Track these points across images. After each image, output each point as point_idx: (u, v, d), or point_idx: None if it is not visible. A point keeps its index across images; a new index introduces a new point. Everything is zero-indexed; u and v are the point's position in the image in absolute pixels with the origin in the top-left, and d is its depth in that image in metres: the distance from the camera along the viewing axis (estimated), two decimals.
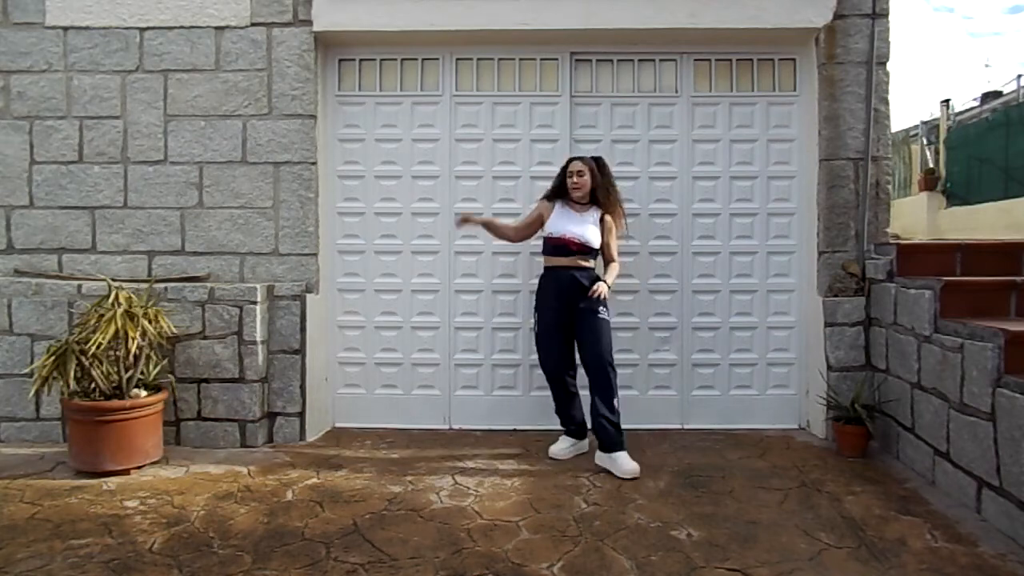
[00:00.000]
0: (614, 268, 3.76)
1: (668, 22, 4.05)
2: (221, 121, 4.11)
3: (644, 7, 4.05)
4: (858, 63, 4.03)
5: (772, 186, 4.32)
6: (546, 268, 3.77)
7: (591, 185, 3.70)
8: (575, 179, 3.69)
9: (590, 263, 3.71)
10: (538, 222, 3.83)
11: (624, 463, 3.45)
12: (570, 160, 3.79)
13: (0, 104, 4.13)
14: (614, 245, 3.78)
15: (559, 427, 4.13)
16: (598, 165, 3.76)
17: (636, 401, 4.31)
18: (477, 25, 4.08)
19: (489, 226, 3.88)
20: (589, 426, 3.68)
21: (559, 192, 3.79)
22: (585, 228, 3.67)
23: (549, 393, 3.90)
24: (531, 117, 4.32)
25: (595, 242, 3.67)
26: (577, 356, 3.76)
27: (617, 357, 4.30)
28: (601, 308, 3.60)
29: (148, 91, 4.11)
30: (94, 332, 3.38)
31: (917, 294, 3.47)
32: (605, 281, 3.63)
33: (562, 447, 3.78)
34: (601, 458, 3.56)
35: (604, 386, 3.55)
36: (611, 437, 3.50)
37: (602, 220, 3.73)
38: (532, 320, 3.89)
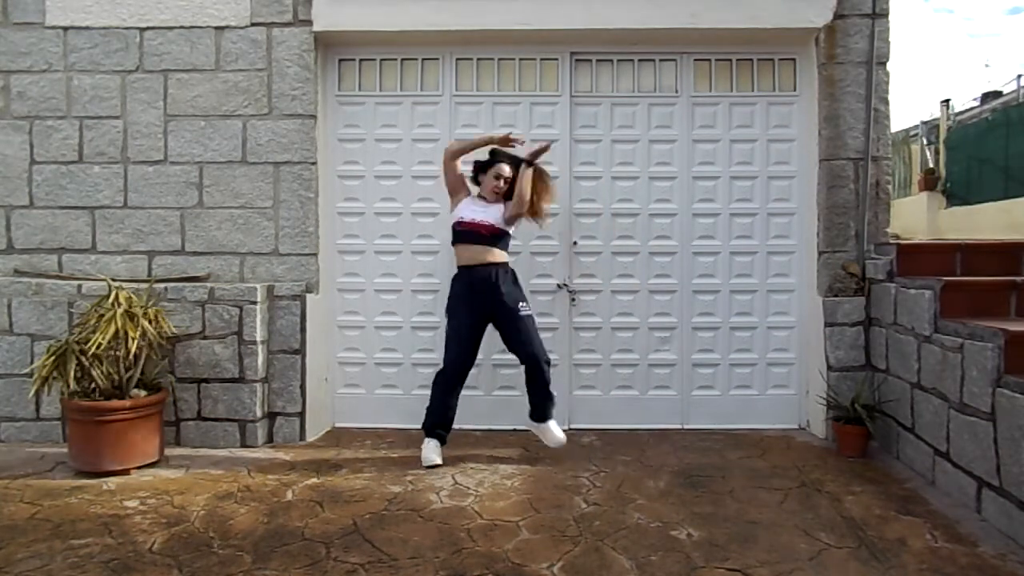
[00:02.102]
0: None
1: (668, 22, 4.05)
2: (221, 121, 4.11)
3: (644, 7, 4.05)
4: (858, 63, 4.03)
5: (772, 186, 4.32)
6: (460, 268, 3.71)
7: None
8: (502, 184, 3.70)
9: (504, 256, 3.70)
10: (459, 178, 3.76)
11: (555, 432, 3.69)
12: (499, 161, 3.73)
13: (0, 104, 4.13)
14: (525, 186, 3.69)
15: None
16: (516, 164, 3.72)
17: (636, 401, 4.31)
18: (477, 25, 4.08)
19: (462, 150, 3.75)
20: (529, 405, 3.75)
21: (476, 179, 3.80)
22: (493, 214, 3.67)
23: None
24: (531, 117, 4.32)
25: (504, 224, 3.67)
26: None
27: (617, 357, 4.35)
28: (522, 305, 3.66)
29: (148, 91, 4.11)
30: (94, 332, 3.38)
31: (917, 294, 3.47)
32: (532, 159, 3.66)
33: (437, 454, 3.64)
34: (534, 427, 3.77)
35: (540, 379, 3.65)
36: (545, 411, 3.71)
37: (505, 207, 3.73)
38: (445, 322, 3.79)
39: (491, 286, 3.62)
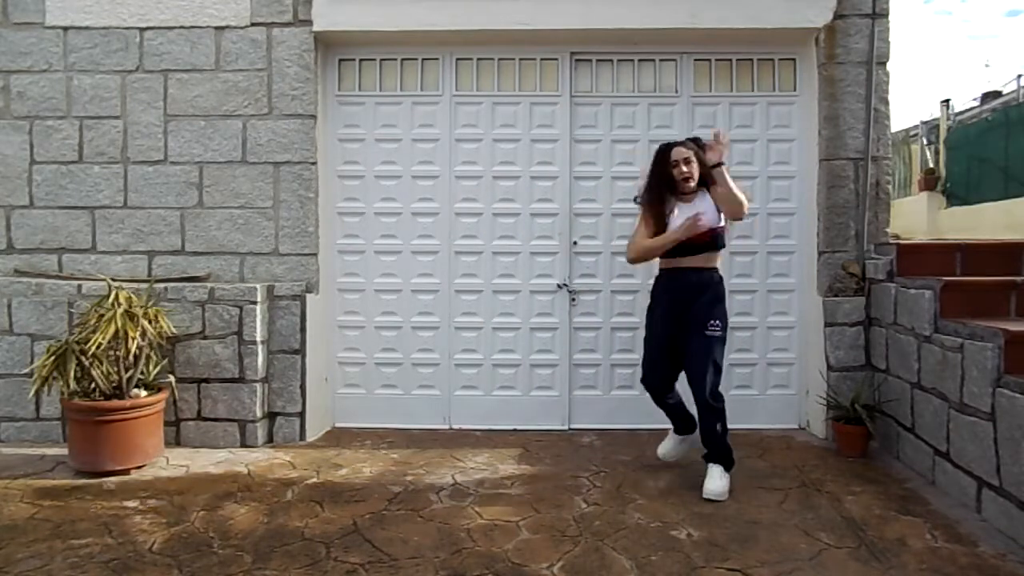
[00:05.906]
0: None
1: (668, 22, 4.05)
2: (221, 121, 4.11)
3: (644, 7, 4.04)
4: (858, 63, 4.03)
5: (772, 186, 4.31)
6: (663, 270, 3.38)
7: (700, 171, 3.24)
8: (684, 168, 3.21)
9: (717, 260, 3.31)
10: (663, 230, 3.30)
11: (709, 482, 3.18)
12: (668, 148, 3.28)
13: (0, 104, 4.13)
14: (733, 186, 3.19)
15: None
16: (696, 143, 3.33)
17: (636, 401, 4.29)
18: (477, 25, 4.08)
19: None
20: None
21: (662, 188, 3.29)
22: (707, 215, 3.19)
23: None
24: (531, 117, 4.32)
25: (719, 224, 3.24)
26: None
27: (618, 357, 4.34)
28: (712, 323, 3.22)
29: (148, 91, 4.11)
30: (94, 332, 3.38)
31: (917, 294, 3.47)
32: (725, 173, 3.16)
33: (669, 447, 3.56)
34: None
35: (706, 416, 3.26)
36: (709, 452, 3.29)
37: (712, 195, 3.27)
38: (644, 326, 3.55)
39: (691, 290, 3.25)
